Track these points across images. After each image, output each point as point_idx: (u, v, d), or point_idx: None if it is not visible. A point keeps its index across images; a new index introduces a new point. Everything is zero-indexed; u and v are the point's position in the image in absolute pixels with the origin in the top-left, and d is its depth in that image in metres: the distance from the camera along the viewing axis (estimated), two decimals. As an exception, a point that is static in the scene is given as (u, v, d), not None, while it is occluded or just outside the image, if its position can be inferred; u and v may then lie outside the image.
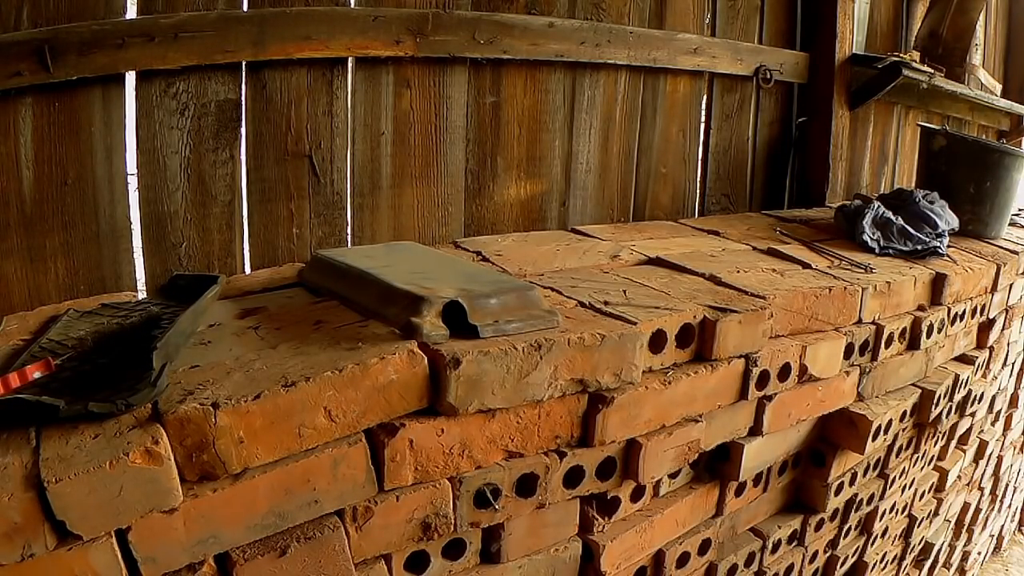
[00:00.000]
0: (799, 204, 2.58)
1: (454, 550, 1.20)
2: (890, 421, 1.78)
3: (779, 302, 1.50)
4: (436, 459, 1.09)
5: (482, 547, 1.23)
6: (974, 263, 2.01)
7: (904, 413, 1.85)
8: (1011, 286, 2.23)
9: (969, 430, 2.39)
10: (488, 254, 1.64)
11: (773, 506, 1.79)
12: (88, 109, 1.34)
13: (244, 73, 1.48)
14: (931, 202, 2.10)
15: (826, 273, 1.72)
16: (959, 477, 2.50)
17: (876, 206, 2.04)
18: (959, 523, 2.71)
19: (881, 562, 2.20)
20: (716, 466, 1.55)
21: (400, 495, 1.07)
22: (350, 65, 1.61)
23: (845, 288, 1.62)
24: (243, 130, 1.52)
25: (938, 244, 1.98)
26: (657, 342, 1.30)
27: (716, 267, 1.64)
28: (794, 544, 1.84)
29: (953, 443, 2.34)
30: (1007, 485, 3.21)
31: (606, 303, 1.34)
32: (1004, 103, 3.68)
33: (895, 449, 1.94)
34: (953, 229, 2.10)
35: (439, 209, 1.82)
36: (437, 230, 1.82)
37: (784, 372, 1.50)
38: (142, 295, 1.41)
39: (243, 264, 1.57)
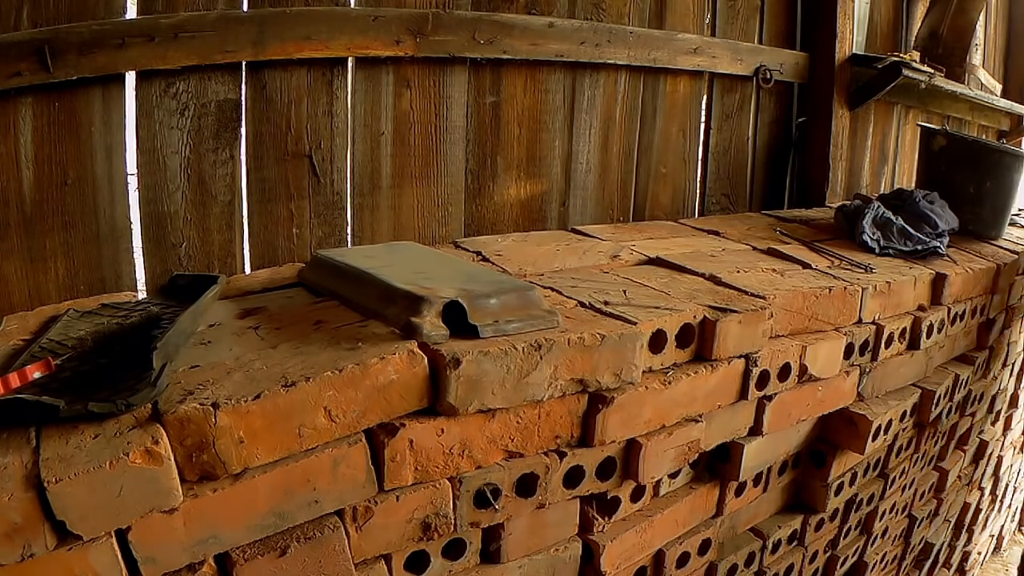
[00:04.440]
0: (799, 204, 2.58)
1: (454, 550, 1.20)
2: (890, 421, 1.78)
3: (779, 302, 1.50)
4: (436, 459, 1.09)
5: (482, 547, 1.23)
6: (974, 263, 2.01)
7: (904, 413, 1.85)
8: (1011, 286, 2.24)
9: (969, 430, 2.40)
10: (488, 254, 1.64)
11: (773, 506, 1.79)
12: (88, 109, 1.34)
13: (244, 73, 1.48)
14: (931, 202, 2.10)
15: (826, 273, 1.72)
16: (959, 477, 2.50)
17: (876, 206, 2.04)
18: (959, 523, 2.71)
19: (881, 562, 2.20)
20: (716, 466, 1.55)
21: (400, 495, 1.07)
22: (350, 65, 1.61)
23: (845, 288, 1.62)
24: (243, 130, 1.52)
25: (938, 244, 1.98)
26: (657, 342, 1.30)
27: (716, 267, 1.64)
28: (794, 544, 1.84)
29: (953, 443, 2.34)
30: (1007, 485, 3.21)
31: (606, 303, 1.34)
32: (1004, 103, 3.68)
33: (895, 449, 1.94)
34: (953, 229, 2.10)
35: (439, 209, 1.82)
36: (437, 230, 1.82)
37: (784, 372, 1.50)
38: (142, 295, 1.41)
39: (243, 264, 1.57)
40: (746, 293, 1.49)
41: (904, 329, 1.80)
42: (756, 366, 1.43)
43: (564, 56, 1.90)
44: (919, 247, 1.96)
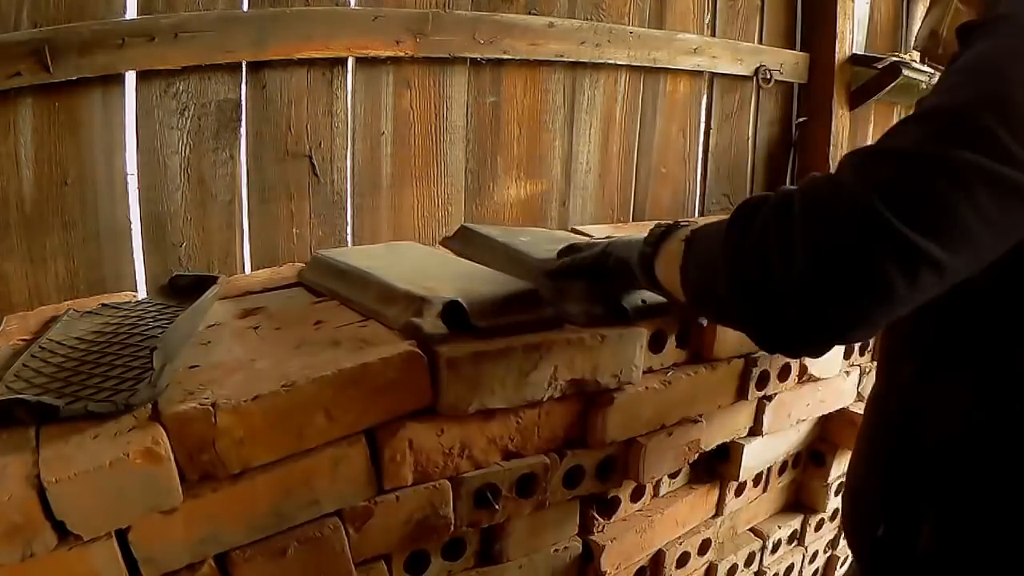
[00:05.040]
0: (799, 204, 2.58)
1: (454, 550, 1.20)
2: (890, 421, 1.78)
3: (779, 302, 1.49)
4: (436, 459, 1.09)
5: (482, 547, 1.23)
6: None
7: (904, 413, 1.85)
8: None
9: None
10: (488, 254, 1.64)
11: (773, 506, 1.79)
12: (88, 109, 1.34)
13: (244, 73, 1.48)
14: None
15: (826, 273, 1.71)
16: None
17: (876, 206, 2.04)
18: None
19: (881, 562, 2.19)
20: (716, 466, 1.55)
21: (400, 495, 1.07)
22: (350, 65, 1.61)
23: (845, 288, 1.62)
24: (243, 130, 1.52)
25: (938, 244, 1.98)
26: (657, 342, 1.30)
27: (716, 267, 1.64)
28: (794, 544, 1.84)
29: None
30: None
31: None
32: (1004, 103, 3.67)
33: (895, 449, 1.94)
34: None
35: (439, 209, 1.82)
36: (437, 230, 1.82)
37: (784, 372, 1.50)
38: (142, 295, 1.41)
39: (243, 264, 1.57)
40: (746, 293, 1.49)
41: (904, 329, 1.80)
42: (756, 366, 1.43)
43: (564, 56, 1.90)
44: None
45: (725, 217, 0.74)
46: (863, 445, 0.99)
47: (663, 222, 1.00)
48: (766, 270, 0.64)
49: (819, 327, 0.64)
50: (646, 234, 1.01)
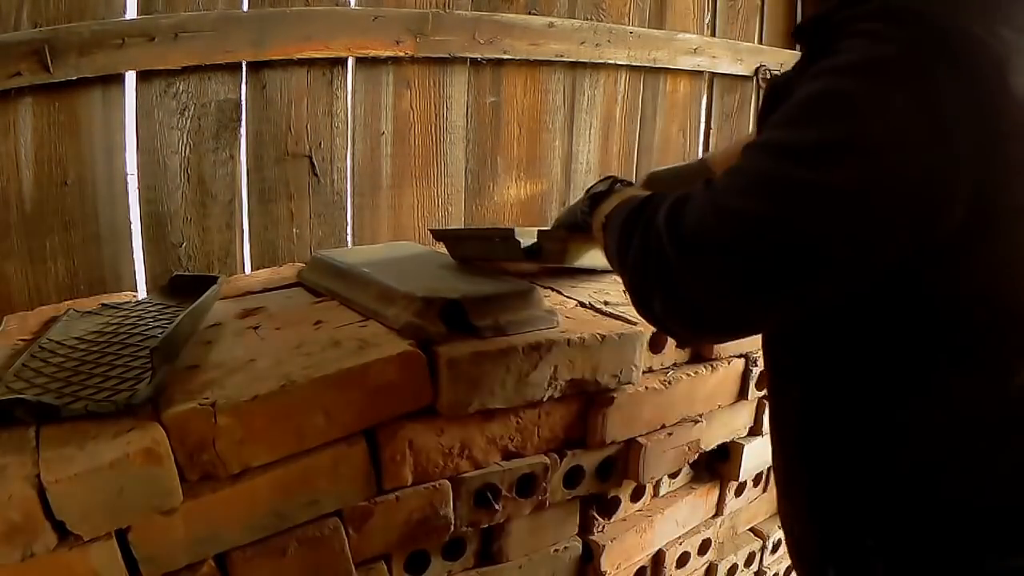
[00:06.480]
0: (799, 204, 2.57)
1: (454, 550, 1.20)
2: (890, 421, 1.78)
3: (779, 302, 1.49)
4: (436, 459, 1.09)
5: (482, 547, 1.23)
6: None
7: (904, 413, 1.84)
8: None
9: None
10: (488, 254, 1.64)
11: (773, 506, 1.79)
12: (88, 109, 1.34)
13: (244, 73, 1.48)
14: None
15: (826, 273, 1.71)
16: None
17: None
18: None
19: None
20: (716, 466, 1.55)
21: (400, 495, 1.07)
22: (350, 65, 1.61)
23: (845, 288, 1.62)
24: (243, 130, 1.52)
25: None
26: (657, 342, 1.30)
27: (716, 267, 1.64)
28: (794, 544, 1.84)
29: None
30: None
31: (606, 303, 1.34)
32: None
33: (895, 449, 1.94)
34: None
35: (439, 209, 1.82)
36: (437, 230, 1.82)
37: (784, 372, 1.50)
38: (142, 295, 1.41)
39: (243, 264, 1.57)
40: (746, 293, 1.49)
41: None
42: (756, 366, 1.43)
43: (564, 56, 1.90)
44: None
45: (637, 194, 0.88)
46: (784, 490, 0.94)
47: (599, 184, 1.06)
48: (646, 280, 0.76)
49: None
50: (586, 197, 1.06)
